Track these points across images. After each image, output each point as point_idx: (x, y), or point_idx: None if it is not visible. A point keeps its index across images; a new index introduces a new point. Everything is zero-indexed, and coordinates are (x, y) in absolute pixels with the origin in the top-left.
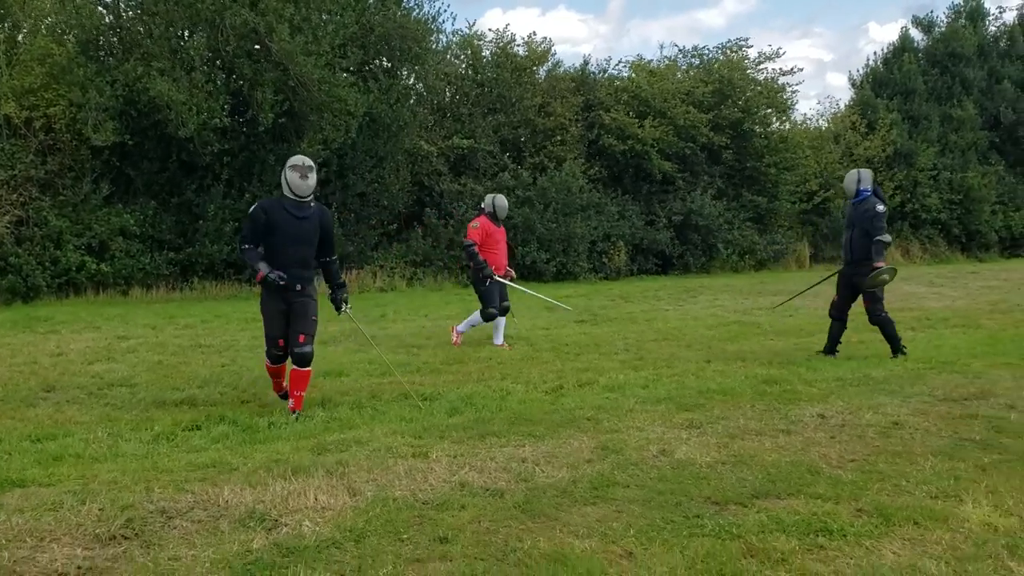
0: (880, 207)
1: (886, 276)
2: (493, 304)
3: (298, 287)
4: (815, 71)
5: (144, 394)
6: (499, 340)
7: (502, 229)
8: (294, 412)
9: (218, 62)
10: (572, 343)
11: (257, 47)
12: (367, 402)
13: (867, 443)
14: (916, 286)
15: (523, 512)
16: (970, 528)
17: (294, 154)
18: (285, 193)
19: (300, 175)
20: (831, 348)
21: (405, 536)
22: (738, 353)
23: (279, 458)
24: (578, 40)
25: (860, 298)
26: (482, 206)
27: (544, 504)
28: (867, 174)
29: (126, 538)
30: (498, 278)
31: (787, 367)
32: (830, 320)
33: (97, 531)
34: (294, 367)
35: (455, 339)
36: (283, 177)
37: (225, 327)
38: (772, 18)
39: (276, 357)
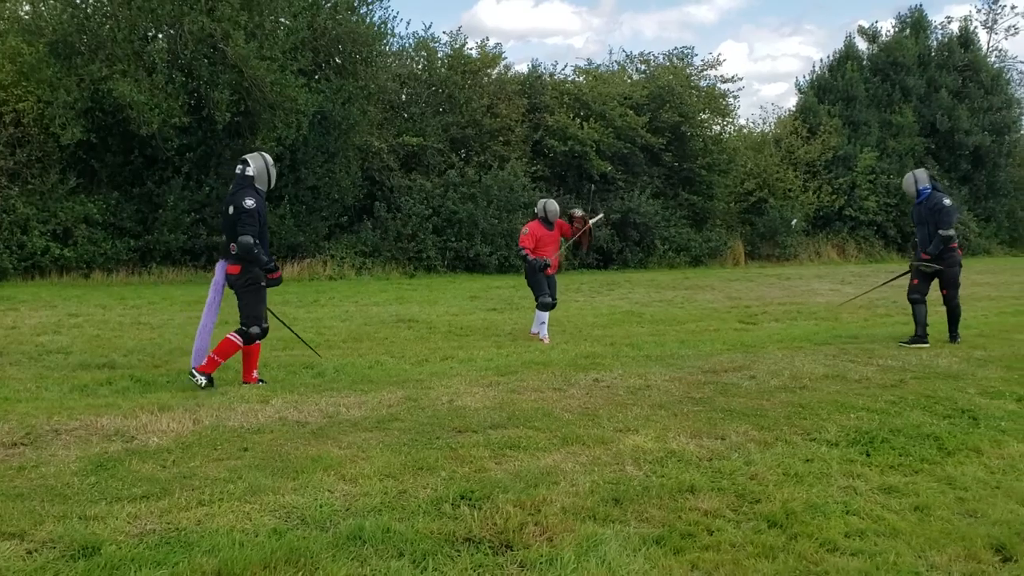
0: (947, 200)
1: (926, 269)
2: (542, 292)
3: None
4: (804, 68)
5: (74, 359)
6: (536, 330)
7: (554, 232)
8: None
9: (179, 62)
10: (467, 327)
11: (214, 51)
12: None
13: (611, 399)
14: (824, 283)
15: (313, 435)
16: (619, 448)
17: (250, 149)
18: (263, 187)
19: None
20: (923, 333)
21: (219, 447)
22: (599, 336)
23: (156, 401)
24: (570, 32)
25: (937, 286)
26: (535, 211)
27: (333, 431)
28: (922, 173)
29: (24, 444)
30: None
31: (619, 347)
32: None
33: (3, 440)
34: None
35: (543, 339)
36: (267, 170)
37: (168, 308)
38: (763, 14)
39: (261, 334)
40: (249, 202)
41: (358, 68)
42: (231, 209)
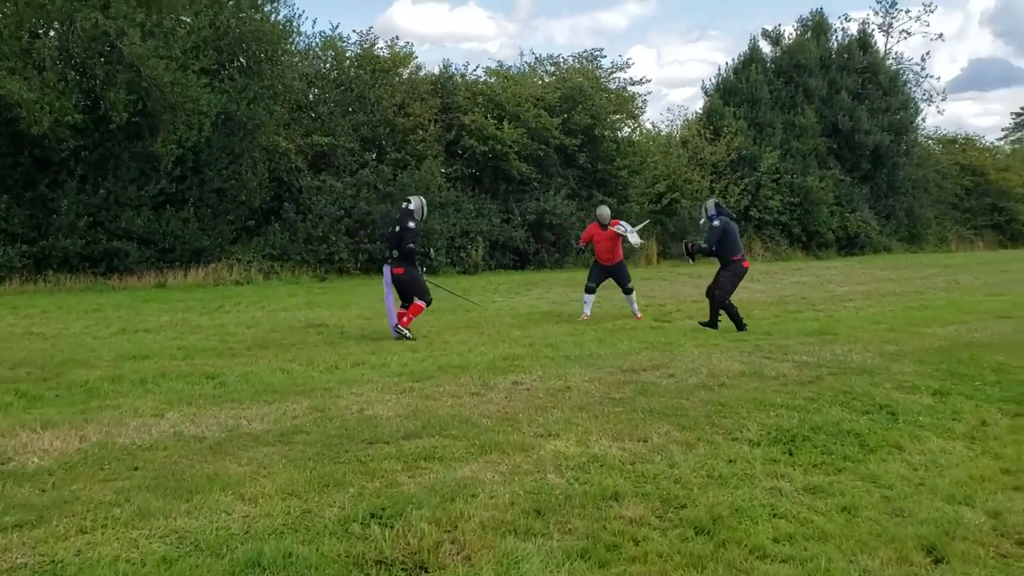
0: (715, 223)
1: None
2: (588, 279)
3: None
4: (711, 72)
5: None
6: (587, 312)
7: (608, 231)
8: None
9: (72, 60)
10: (380, 331)
11: (110, 49)
12: (151, 380)
13: (531, 402)
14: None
15: (211, 451)
16: (540, 455)
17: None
18: (419, 217)
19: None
20: (713, 322)
21: (106, 466)
22: (518, 338)
23: (40, 417)
24: (486, 37)
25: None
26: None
27: (232, 446)
28: (709, 203)
29: None
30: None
31: (538, 347)
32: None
33: None
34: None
35: (585, 315)
36: (423, 207)
37: (64, 317)
38: (671, 20)
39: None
40: (412, 224)
41: (263, 67)
42: (397, 228)
